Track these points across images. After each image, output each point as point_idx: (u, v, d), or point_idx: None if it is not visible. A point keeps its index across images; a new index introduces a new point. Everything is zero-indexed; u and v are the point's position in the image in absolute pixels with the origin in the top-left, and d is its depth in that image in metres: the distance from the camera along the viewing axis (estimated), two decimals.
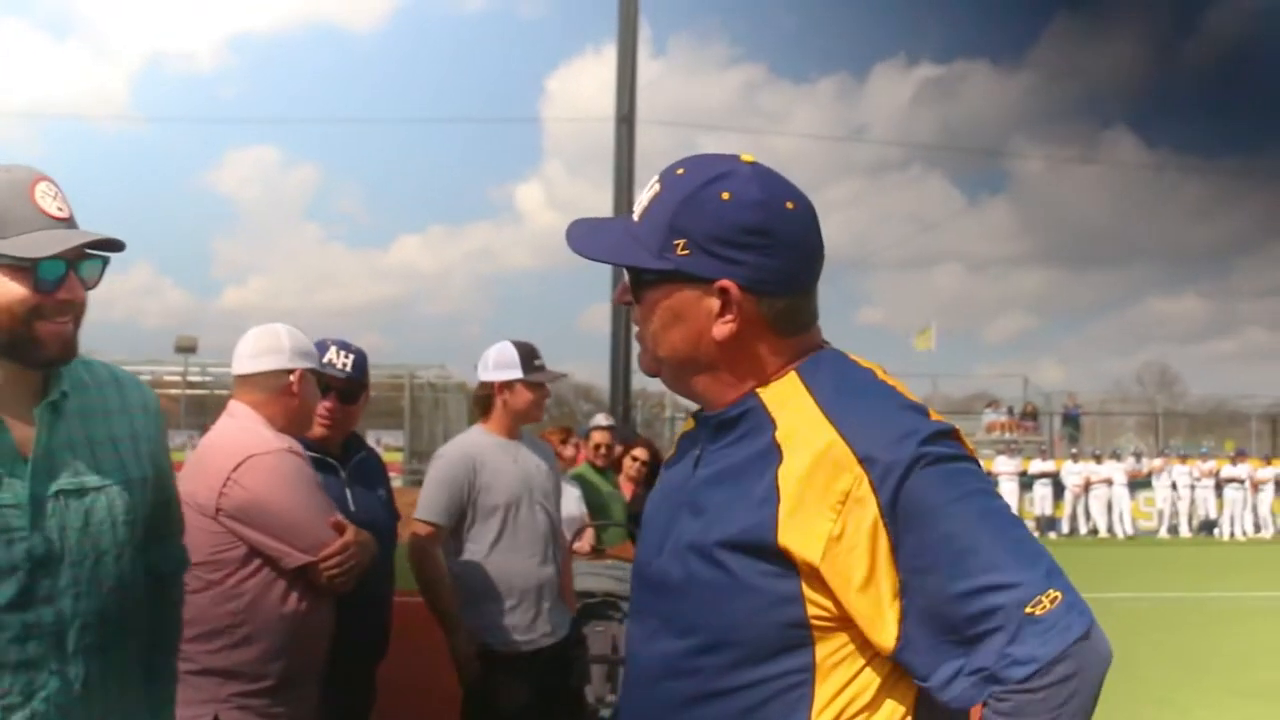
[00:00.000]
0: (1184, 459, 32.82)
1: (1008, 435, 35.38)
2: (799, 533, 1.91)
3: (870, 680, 1.96)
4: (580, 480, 8.74)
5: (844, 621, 1.94)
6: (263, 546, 3.80)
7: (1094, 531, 31.47)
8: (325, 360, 4.63)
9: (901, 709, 1.98)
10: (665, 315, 2.10)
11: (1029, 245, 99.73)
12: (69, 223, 2.54)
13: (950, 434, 1.97)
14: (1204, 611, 16.85)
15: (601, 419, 9.84)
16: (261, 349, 4.15)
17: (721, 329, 2.05)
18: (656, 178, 2.13)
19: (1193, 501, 32.14)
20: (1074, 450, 33.72)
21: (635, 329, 2.20)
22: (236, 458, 3.84)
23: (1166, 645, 13.31)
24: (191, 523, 3.26)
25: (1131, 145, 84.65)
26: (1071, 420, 37.28)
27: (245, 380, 4.14)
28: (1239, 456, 33.04)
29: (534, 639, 5.48)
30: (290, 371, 4.15)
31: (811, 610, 1.94)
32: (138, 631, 2.79)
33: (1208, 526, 32.01)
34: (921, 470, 1.89)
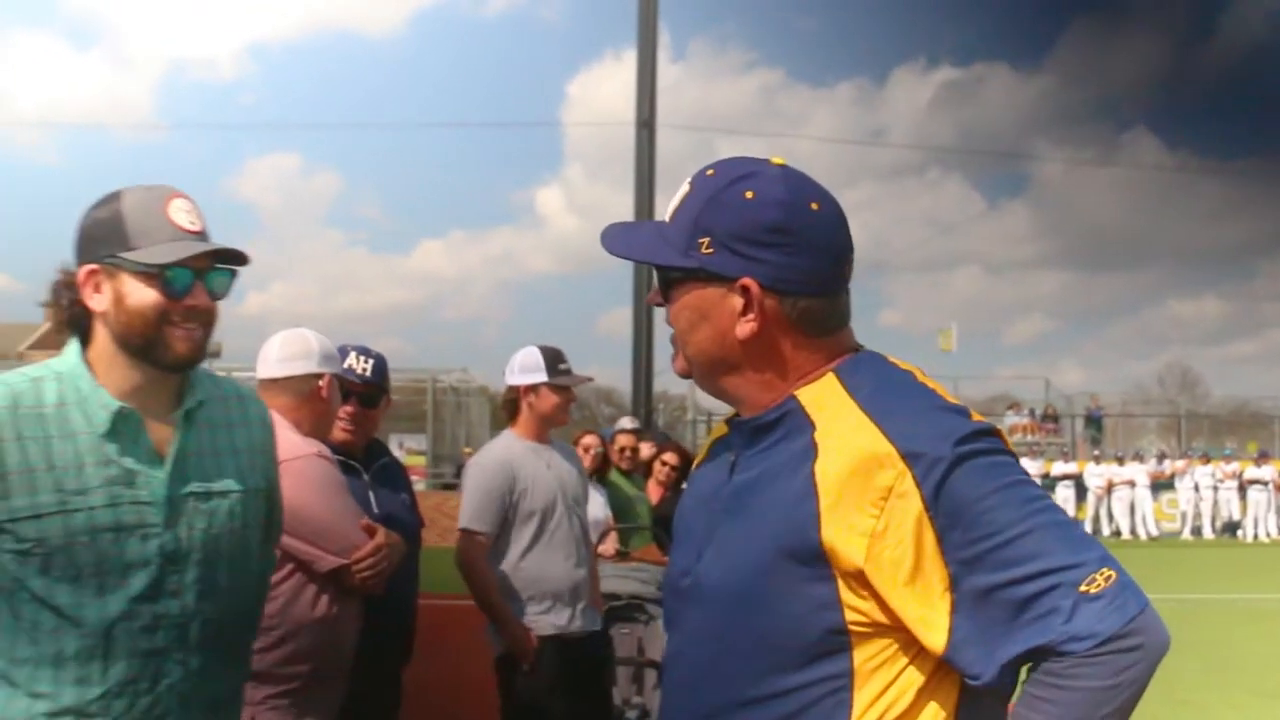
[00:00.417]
0: (1207, 460, 32.67)
1: (1030, 437, 35.31)
2: (840, 529, 1.91)
3: (910, 684, 1.96)
4: (606, 483, 8.74)
5: (883, 627, 1.93)
6: (295, 551, 3.82)
7: (1117, 533, 31.36)
8: (345, 366, 4.68)
9: (943, 713, 1.97)
10: (691, 315, 2.11)
11: (1049, 247, 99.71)
12: (200, 236, 2.71)
13: (992, 432, 1.97)
14: (1227, 613, 16.83)
15: (627, 422, 9.86)
16: (290, 353, 4.18)
17: (744, 328, 2.06)
18: (688, 179, 2.14)
19: (1216, 503, 32.06)
20: (1096, 452, 33.69)
21: (670, 333, 2.20)
22: None
23: (1189, 647, 13.23)
24: None
25: (1151, 147, 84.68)
26: (1094, 422, 37.19)
27: (272, 384, 4.16)
28: (1262, 458, 32.91)
29: (568, 634, 5.63)
30: (319, 376, 4.19)
31: (850, 615, 1.93)
32: (249, 630, 2.98)
33: (1231, 528, 31.92)
34: (965, 464, 1.89)
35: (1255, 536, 31.14)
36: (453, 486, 31.04)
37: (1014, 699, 1.92)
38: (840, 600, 1.93)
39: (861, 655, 1.95)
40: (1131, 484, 31.67)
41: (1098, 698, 1.83)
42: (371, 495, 4.73)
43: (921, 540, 1.88)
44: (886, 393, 2.02)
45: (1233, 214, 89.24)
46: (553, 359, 5.74)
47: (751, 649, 1.99)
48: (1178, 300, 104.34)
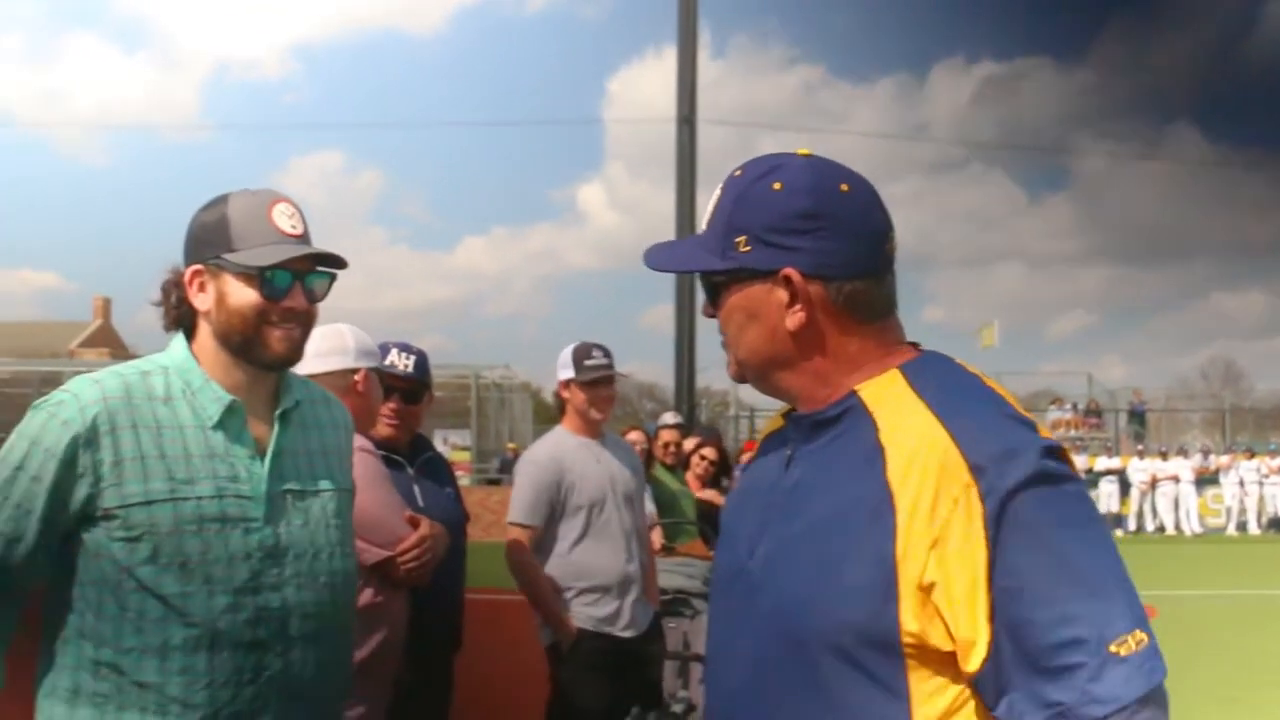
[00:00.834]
0: (1251, 455, 32.46)
1: (1073, 433, 35.17)
2: (912, 539, 1.85)
3: (967, 697, 1.89)
4: (649, 478, 8.75)
5: (933, 650, 1.86)
6: None
7: (1161, 529, 31.27)
8: (387, 362, 4.74)
9: None
10: (740, 316, 2.10)
11: (1091, 242, 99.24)
12: (301, 240, 2.82)
13: (1060, 452, 1.90)
14: (1273, 609, 16.67)
15: (670, 417, 9.86)
16: (326, 349, 4.21)
17: (793, 319, 2.03)
18: (720, 184, 2.14)
19: (1261, 498, 31.84)
20: (1140, 447, 33.46)
21: (721, 340, 2.19)
22: None
23: (1234, 644, 13.20)
24: None
25: (1194, 140, 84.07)
26: (1137, 417, 36.98)
27: (310, 380, 4.17)
28: None
29: (614, 632, 5.68)
30: (354, 371, 4.24)
31: (906, 627, 1.86)
32: (346, 625, 3.03)
33: (1277, 523, 31.72)
34: (1030, 488, 1.83)
35: None
36: (497, 482, 31.22)
37: None
38: (899, 610, 1.86)
39: (916, 677, 1.88)
40: (1176, 479, 31.50)
41: None
42: (416, 489, 4.77)
43: (975, 558, 1.82)
44: (956, 395, 1.98)
45: (1277, 207, 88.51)
46: (580, 354, 5.82)
47: (802, 650, 1.94)
48: (1221, 294, 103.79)
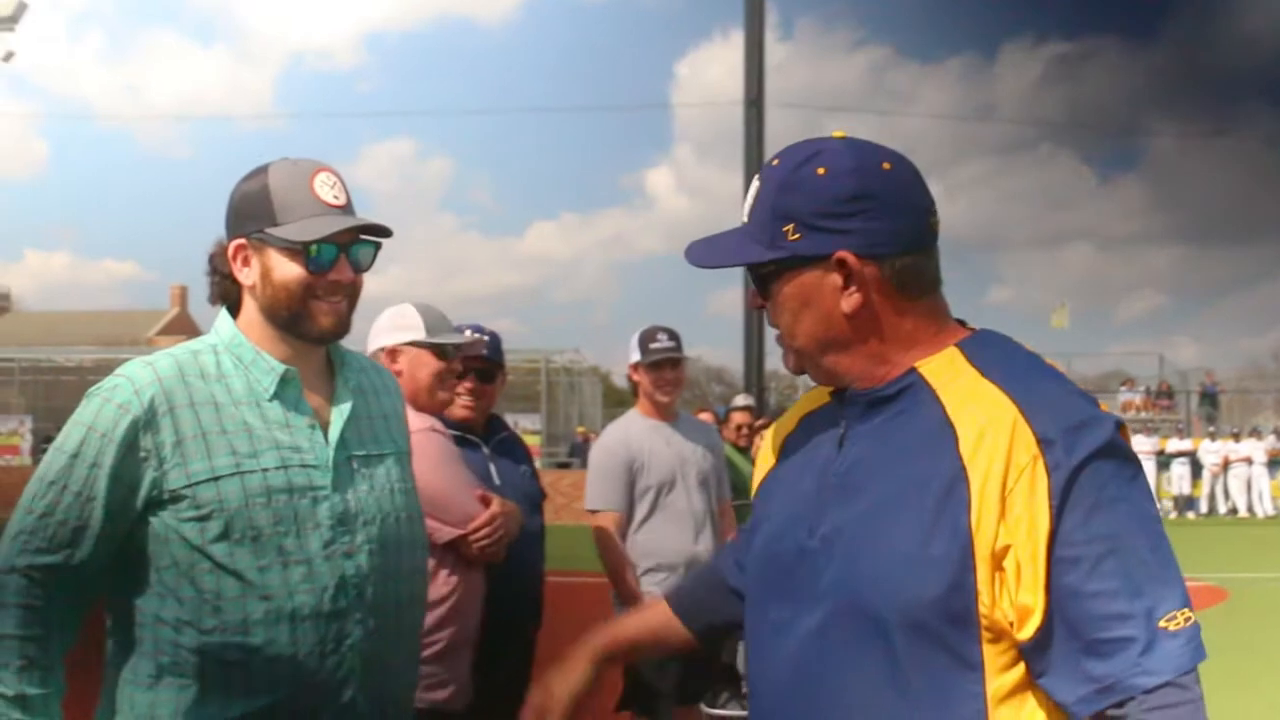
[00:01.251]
0: None
1: (1144, 414, 34.88)
2: (986, 513, 1.88)
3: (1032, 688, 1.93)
4: None
5: (1004, 614, 1.89)
6: None
7: (1233, 511, 30.95)
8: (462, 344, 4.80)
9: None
10: (794, 304, 2.10)
11: (1162, 222, 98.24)
12: (345, 210, 2.77)
13: (1122, 428, 1.94)
14: None
15: (741, 399, 9.91)
16: (374, 331, 4.33)
17: (849, 301, 2.04)
18: (757, 176, 2.15)
19: None
20: (1211, 429, 33.15)
21: (775, 334, 2.19)
22: None
23: None
24: None
25: (1266, 118, 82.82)
26: (1209, 398, 36.57)
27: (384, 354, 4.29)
28: None
29: None
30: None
31: (982, 594, 1.89)
32: (421, 591, 3.01)
33: None
34: (1095, 462, 1.87)
35: None
36: (567, 465, 31.34)
37: None
38: (976, 580, 1.89)
39: (991, 650, 1.91)
40: (1248, 461, 31.14)
41: None
42: (492, 467, 4.84)
43: (1039, 528, 1.85)
44: (1020, 371, 2.01)
45: None
46: (646, 339, 5.91)
47: (876, 625, 1.95)
48: None
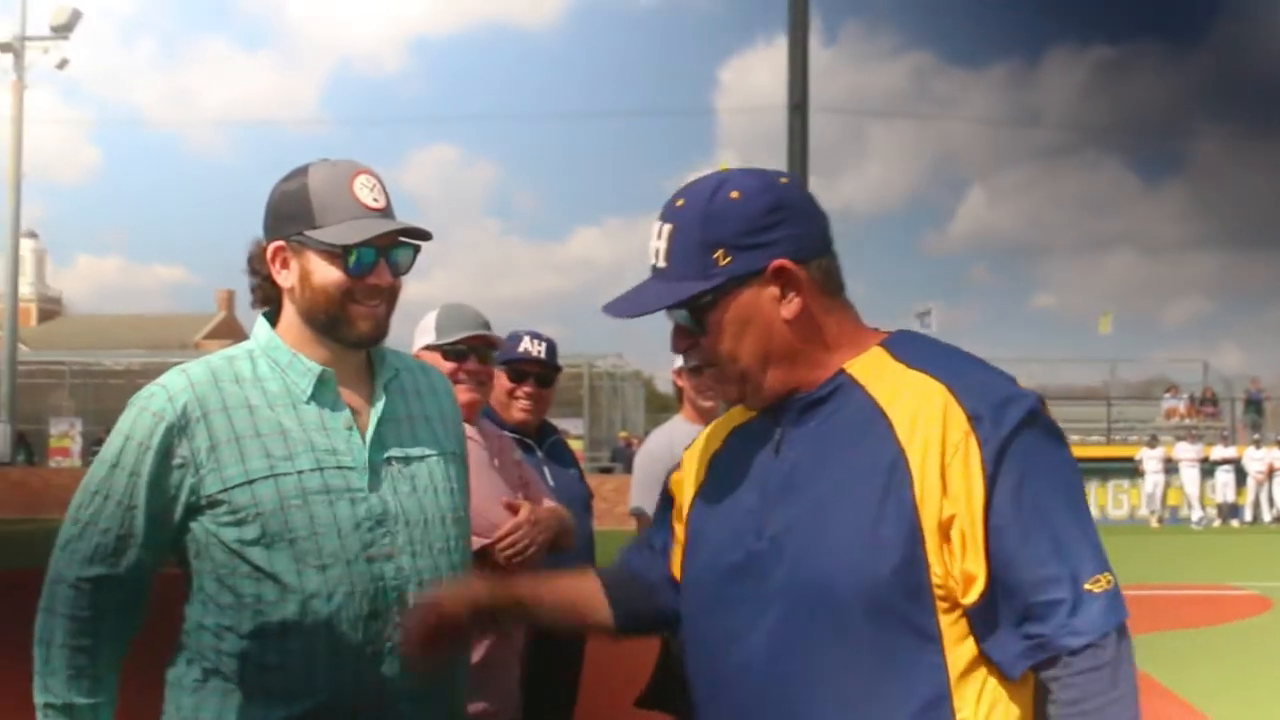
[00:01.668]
0: None
1: (1188, 421, 34.75)
2: (928, 487, 2.01)
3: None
4: None
5: (955, 584, 2.02)
6: None
7: (1278, 519, 30.81)
8: (521, 349, 4.94)
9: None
10: (734, 327, 2.17)
11: (1207, 227, 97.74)
12: (384, 213, 2.74)
13: (1044, 404, 2.08)
14: None
15: None
16: (445, 324, 4.30)
17: (790, 308, 2.15)
18: (659, 222, 2.23)
19: None
20: (1256, 436, 32.98)
21: (708, 370, 2.27)
22: None
23: None
24: None
25: None
26: (1254, 405, 36.30)
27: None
28: None
29: None
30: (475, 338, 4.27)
31: (933, 564, 2.01)
32: None
33: None
34: (1023, 434, 2.01)
35: None
36: (609, 470, 31.48)
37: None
38: (925, 552, 2.01)
39: (947, 620, 2.02)
40: None
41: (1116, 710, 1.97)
42: (546, 471, 4.94)
43: (975, 499, 1.99)
44: (943, 358, 2.15)
45: None
46: None
47: (836, 613, 2.03)
48: None
